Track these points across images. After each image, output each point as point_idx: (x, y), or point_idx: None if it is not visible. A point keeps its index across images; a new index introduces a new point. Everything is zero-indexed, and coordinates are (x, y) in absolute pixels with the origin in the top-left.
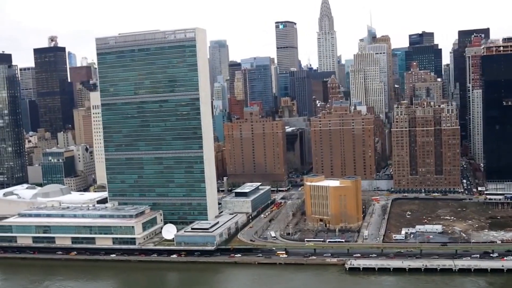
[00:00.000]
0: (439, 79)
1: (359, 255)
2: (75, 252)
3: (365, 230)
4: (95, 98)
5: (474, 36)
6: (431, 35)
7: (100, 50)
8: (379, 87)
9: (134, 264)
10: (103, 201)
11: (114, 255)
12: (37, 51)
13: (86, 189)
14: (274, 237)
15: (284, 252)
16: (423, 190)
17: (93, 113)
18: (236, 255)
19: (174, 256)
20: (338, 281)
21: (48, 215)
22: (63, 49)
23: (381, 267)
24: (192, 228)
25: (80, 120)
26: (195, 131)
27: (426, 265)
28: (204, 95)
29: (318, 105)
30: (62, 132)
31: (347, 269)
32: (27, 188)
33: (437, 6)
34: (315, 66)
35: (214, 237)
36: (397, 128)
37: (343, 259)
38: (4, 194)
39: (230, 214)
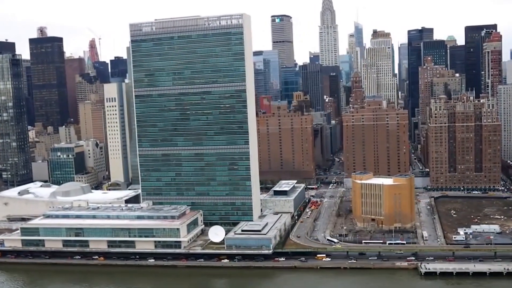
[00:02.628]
0: (457, 74)
1: (413, 258)
2: (102, 258)
3: (423, 231)
4: (109, 90)
5: (486, 31)
6: (430, 30)
7: (134, 37)
8: (391, 82)
9: (180, 270)
10: (131, 200)
11: (152, 260)
12: (33, 41)
13: (97, 187)
14: (337, 241)
15: (325, 255)
16: (462, 188)
17: (107, 106)
18: (280, 259)
19: (226, 260)
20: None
21: (78, 216)
22: (60, 39)
23: (460, 271)
24: (242, 230)
25: (88, 114)
26: (241, 125)
27: (508, 269)
28: (250, 87)
29: (326, 100)
30: (64, 127)
31: (422, 274)
32: (41, 186)
33: (423, 2)
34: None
35: (269, 239)
36: (435, 123)
37: (414, 262)
38: (19, 192)
39: (274, 214)
